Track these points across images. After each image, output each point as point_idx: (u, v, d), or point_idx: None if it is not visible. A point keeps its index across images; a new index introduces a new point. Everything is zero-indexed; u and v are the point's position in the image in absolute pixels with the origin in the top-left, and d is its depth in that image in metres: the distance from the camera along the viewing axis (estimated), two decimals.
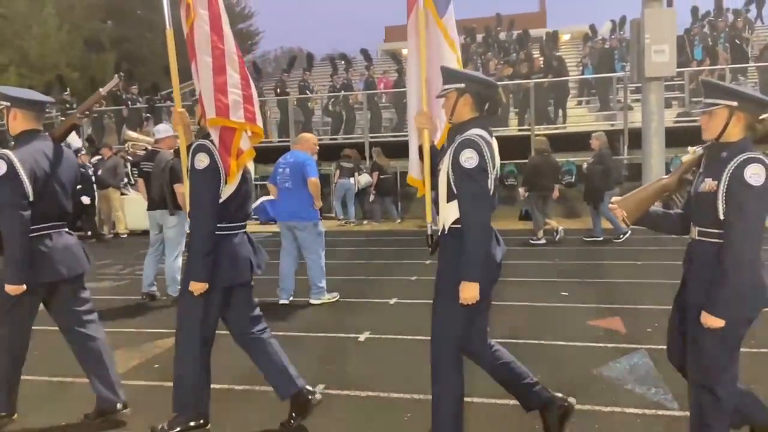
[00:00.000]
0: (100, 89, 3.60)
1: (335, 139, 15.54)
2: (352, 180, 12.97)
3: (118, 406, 3.33)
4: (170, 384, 3.84)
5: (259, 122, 3.22)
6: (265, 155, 15.49)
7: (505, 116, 14.26)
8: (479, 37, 19.68)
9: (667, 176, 2.69)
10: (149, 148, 7.05)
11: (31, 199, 3.03)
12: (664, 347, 2.74)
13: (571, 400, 2.94)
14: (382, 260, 8.54)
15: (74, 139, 13.83)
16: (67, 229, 3.33)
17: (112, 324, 5.37)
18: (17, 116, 3.17)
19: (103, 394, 3.30)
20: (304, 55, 19.81)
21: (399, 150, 14.53)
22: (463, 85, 2.69)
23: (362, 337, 4.80)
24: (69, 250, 3.25)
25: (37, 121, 3.24)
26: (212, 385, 3.72)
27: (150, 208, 6.20)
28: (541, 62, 14.99)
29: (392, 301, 6.03)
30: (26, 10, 26.84)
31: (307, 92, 16.50)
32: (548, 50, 16.20)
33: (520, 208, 11.53)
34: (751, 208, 2.26)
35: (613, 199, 2.73)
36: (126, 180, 12.37)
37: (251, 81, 3.23)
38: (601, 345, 4.44)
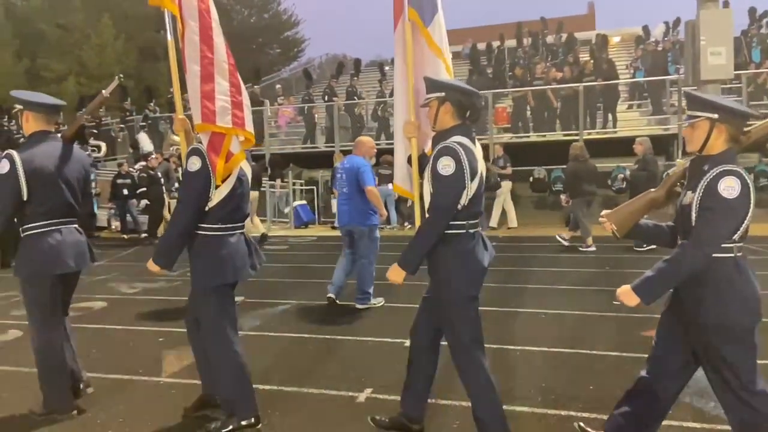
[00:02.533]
0: (103, 91, 3.84)
1: (378, 144, 15.63)
2: (390, 186, 13.04)
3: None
4: None
5: (249, 127, 3.31)
6: (311, 160, 15.82)
7: (553, 121, 14.04)
8: (526, 41, 19.43)
9: (655, 189, 2.67)
10: None
11: (24, 198, 3.25)
12: None
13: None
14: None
15: (146, 143, 14.33)
16: (76, 226, 3.52)
17: (166, 324, 5.54)
18: (29, 118, 3.41)
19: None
20: (348, 61, 19.97)
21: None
22: (443, 94, 2.78)
23: (408, 343, 4.77)
24: (77, 246, 3.46)
25: (47, 123, 3.45)
26: (262, 386, 3.78)
27: None
28: (592, 65, 14.67)
29: None
30: (84, 21, 28.12)
31: (355, 98, 16.63)
32: (598, 53, 15.86)
33: (567, 214, 11.36)
34: (718, 219, 2.26)
35: (603, 212, 2.72)
36: (177, 184, 12.73)
37: (243, 88, 3.34)
38: None
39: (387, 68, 19.09)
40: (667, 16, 18.46)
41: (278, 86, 19.72)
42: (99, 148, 15.27)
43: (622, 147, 11.84)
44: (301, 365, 4.37)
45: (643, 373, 2.62)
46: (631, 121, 14.61)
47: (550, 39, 19.74)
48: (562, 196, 9.54)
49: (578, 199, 9.16)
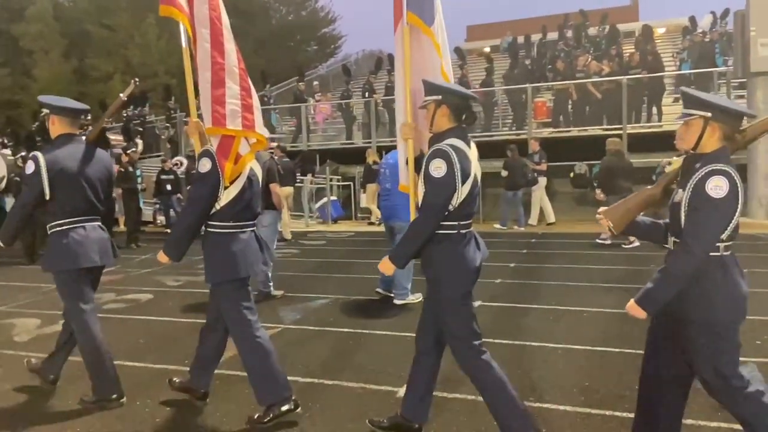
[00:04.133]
0: (121, 94, 4.02)
1: None
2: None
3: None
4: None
5: (259, 129, 3.43)
6: (348, 157, 15.90)
7: (594, 115, 13.74)
8: (568, 33, 19.04)
9: (652, 186, 2.67)
10: None
11: (47, 197, 3.44)
12: None
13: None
14: None
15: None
16: (99, 224, 3.68)
17: None
18: (55, 122, 3.59)
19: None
20: (386, 56, 19.94)
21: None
22: (440, 96, 2.84)
23: None
24: (101, 242, 3.63)
25: (72, 126, 3.63)
26: (303, 379, 3.83)
27: None
28: (637, 57, 14.28)
29: (476, 303, 5.96)
30: (129, 21, 28.89)
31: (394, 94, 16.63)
32: (643, 45, 15.43)
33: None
34: (708, 219, 2.27)
35: (600, 209, 2.73)
36: None
37: (253, 91, 3.46)
38: None
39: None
40: (715, 6, 17.80)
41: (315, 83, 19.88)
42: (136, 145, 15.65)
43: (668, 141, 11.46)
44: (341, 359, 4.41)
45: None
46: (677, 115, 14.15)
47: (592, 31, 19.30)
48: (597, 191, 9.34)
49: (613, 195, 8.95)
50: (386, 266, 2.90)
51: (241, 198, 3.30)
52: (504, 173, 11.93)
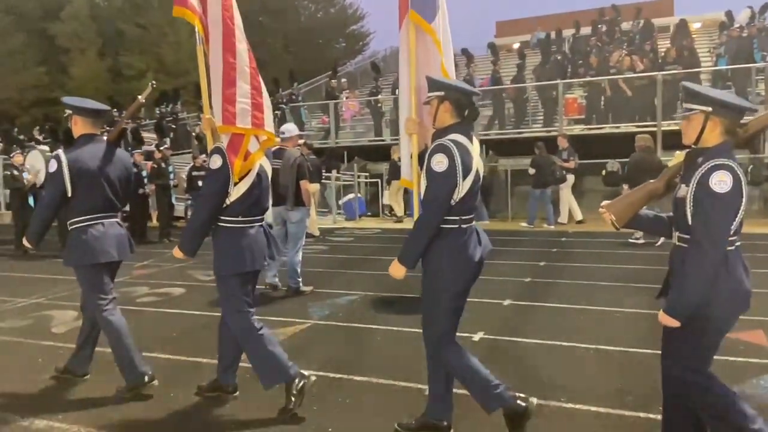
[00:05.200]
0: (139, 97, 4.13)
1: None
2: None
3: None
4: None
5: (268, 127, 3.52)
6: (376, 154, 15.91)
7: (632, 112, 13.47)
8: (603, 28, 18.68)
9: (654, 180, 2.68)
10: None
11: (69, 195, 3.58)
12: None
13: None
14: (497, 260, 8.39)
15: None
16: (118, 220, 3.83)
17: None
18: (77, 122, 3.72)
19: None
20: None
21: (505, 147, 14.28)
22: (442, 93, 2.87)
23: (476, 337, 4.75)
24: (118, 238, 3.76)
25: (93, 126, 3.76)
26: (332, 374, 3.85)
27: (275, 203, 6.52)
28: (674, 53, 13.94)
29: (506, 302, 5.91)
30: (162, 20, 29.37)
31: None
32: (679, 40, 15.06)
33: None
34: (716, 215, 2.26)
35: (603, 203, 2.74)
36: None
37: (263, 90, 3.54)
38: (742, 359, 4.07)
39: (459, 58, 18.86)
40: (753, 0, 17.19)
41: (344, 80, 19.92)
42: (164, 143, 15.90)
43: None
44: (369, 355, 4.43)
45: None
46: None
47: (626, 26, 18.92)
48: (625, 187, 9.17)
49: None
50: (396, 269, 2.87)
51: (250, 194, 3.40)
52: (531, 171, 11.79)
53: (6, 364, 4.35)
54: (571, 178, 11.93)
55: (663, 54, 14.73)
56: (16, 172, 9.99)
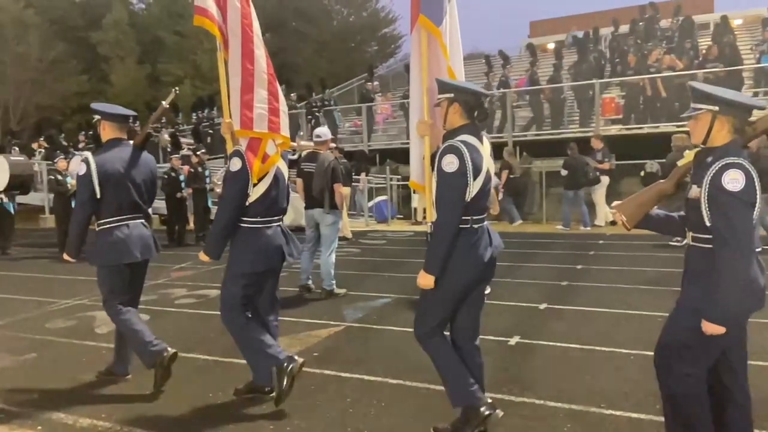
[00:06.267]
0: (163, 102, 4.27)
1: None
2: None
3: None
4: (329, 372, 4.07)
5: (284, 131, 3.65)
6: (408, 157, 15.87)
7: (672, 112, 13.13)
8: (641, 25, 18.27)
9: (664, 180, 2.67)
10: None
11: (98, 197, 3.72)
12: None
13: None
14: (533, 263, 8.29)
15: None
16: (143, 221, 3.95)
17: None
18: (105, 127, 3.88)
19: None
20: None
21: (540, 148, 14.08)
22: (452, 95, 2.91)
23: (512, 341, 4.69)
24: (142, 239, 3.89)
25: (120, 131, 3.92)
26: (367, 377, 3.85)
27: (308, 206, 6.58)
28: (715, 50, 13.54)
29: (542, 306, 5.82)
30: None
31: None
32: (720, 37, 14.63)
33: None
34: (735, 214, 2.24)
35: (613, 204, 2.75)
36: None
37: (280, 95, 3.69)
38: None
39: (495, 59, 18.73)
40: None
41: (376, 83, 19.98)
42: (200, 147, 16.18)
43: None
44: (404, 358, 4.40)
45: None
46: (757, 111, 13.33)
47: (664, 23, 18.46)
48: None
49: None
50: (425, 279, 2.84)
51: (268, 194, 3.52)
52: (564, 172, 11.61)
53: (51, 364, 4.49)
54: (605, 179, 11.69)
55: (704, 52, 14.31)
56: (60, 177, 10.32)
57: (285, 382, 3.37)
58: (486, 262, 2.91)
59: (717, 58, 13.38)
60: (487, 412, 2.93)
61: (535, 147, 14.30)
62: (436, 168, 2.86)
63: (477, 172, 2.81)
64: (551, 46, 22.80)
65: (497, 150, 12.14)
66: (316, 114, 17.36)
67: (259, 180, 3.48)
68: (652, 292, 6.23)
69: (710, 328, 2.32)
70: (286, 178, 3.73)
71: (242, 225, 3.50)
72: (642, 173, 10.85)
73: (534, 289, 6.53)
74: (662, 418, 3.19)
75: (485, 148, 2.92)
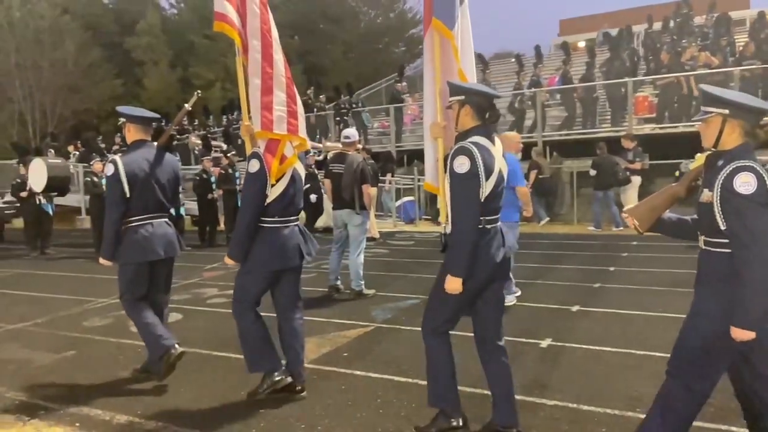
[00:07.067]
0: (186, 105, 4.36)
1: None
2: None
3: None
4: (359, 372, 4.08)
5: (302, 133, 3.73)
6: None
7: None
8: (672, 23, 17.91)
9: (676, 184, 2.67)
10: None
11: (128, 196, 3.84)
12: None
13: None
14: (564, 264, 8.18)
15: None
16: (166, 220, 4.09)
17: (303, 313, 5.83)
18: (130, 129, 4.03)
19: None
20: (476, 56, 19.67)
21: (571, 148, 13.88)
22: (463, 97, 2.94)
23: (544, 344, 4.63)
24: (166, 237, 4.02)
25: (145, 133, 4.06)
26: (396, 378, 3.85)
27: (336, 207, 6.61)
28: (752, 47, 13.17)
29: (574, 308, 5.74)
30: None
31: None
32: (756, 33, 14.22)
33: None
34: (751, 216, 2.23)
35: (625, 208, 2.76)
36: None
37: (297, 98, 3.75)
38: None
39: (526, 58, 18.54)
40: None
41: (404, 83, 19.98)
42: (220, 148, 16.39)
43: None
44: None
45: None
46: None
47: (698, 20, 18.05)
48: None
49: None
50: (452, 283, 2.84)
51: (285, 195, 3.60)
52: (592, 172, 11.42)
53: (89, 361, 4.60)
54: (636, 179, 11.46)
55: (740, 48, 13.93)
56: (96, 179, 10.57)
57: (266, 389, 3.58)
58: (498, 263, 2.92)
59: (754, 55, 13.01)
60: (453, 424, 3.03)
61: (567, 147, 14.12)
62: (448, 170, 2.88)
63: (489, 172, 2.83)
64: (582, 44, 22.50)
65: (526, 150, 12.09)
66: (345, 118, 17.43)
67: (277, 180, 3.57)
68: (687, 294, 5.98)
69: (740, 334, 2.28)
70: (303, 179, 3.81)
71: (260, 224, 3.59)
72: (676, 173, 10.58)
73: (566, 291, 6.44)
74: (699, 423, 3.13)
75: (497, 149, 2.95)
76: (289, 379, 3.62)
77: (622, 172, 11.29)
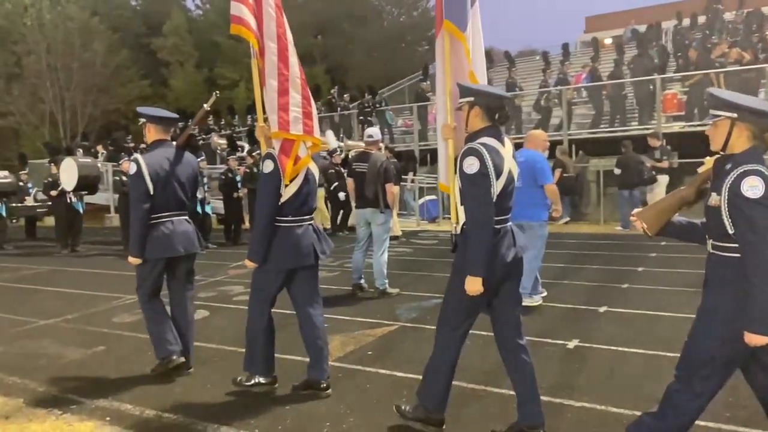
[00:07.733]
0: (205, 105, 4.42)
1: None
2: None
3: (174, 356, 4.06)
4: (384, 371, 4.08)
5: (316, 134, 3.79)
6: None
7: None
8: (701, 19, 17.55)
9: (685, 187, 2.66)
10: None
11: (151, 193, 3.91)
12: None
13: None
14: (592, 265, 8.07)
15: (332, 140, 15.36)
16: (186, 218, 4.17)
17: (327, 311, 5.83)
18: (150, 129, 4.11)
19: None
20: (496, 53, 19.56)
21: (598, 146, 13.67)
22: (472, 98, 2.95)
23: (571, 345, 4.58)
24: (186, 234, 4.11)
25: (165, 133, 4.15)
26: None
27: (360, 206, 6.62)
28: None
29: (602, 309, 5.66)
30: None
31: (516, 89, 16.21)
32: None
33: None
34: (760, 221, 2.22)
35: (634, 211, 2.77)
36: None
37: (312, 99, 3.82)
38: None
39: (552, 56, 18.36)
40: None
41: (427, 83, 19.93)
42: (243, 148, 16.52)
43: None
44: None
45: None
46: None
47: (728, 15, 17.65)
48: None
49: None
50: (472, 284, 2.82)
51: (299, 194, 3.66)
52: (617, 171, 11.24)
53: (119, 356, 4.68)
54: (664, 178, 11.23)
55: None
56: (124, 178, 10.76)
57: (252, 385, 3.74)
58: (509, 262, 2.92)
59: None
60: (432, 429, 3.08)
61: (594, 145, 13.92)
62: (458, 171, 2.90)
63: (498, 173, 2.84)
64: (608, 41, 22.17)
65: (552, 148, 11.99)
66: (369, 117, 17.45)
67: (291, 181, 3.62)
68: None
69: (756, 339, 2.26)
70: (317, 179, 3.86)
71: (275, 224, 3.64)
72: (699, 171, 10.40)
73: (593, 292, 6.36)
74: (733, 427, 3.07)
75: (507, 150, 2.95)
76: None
77: (648, 171, 11.09)
